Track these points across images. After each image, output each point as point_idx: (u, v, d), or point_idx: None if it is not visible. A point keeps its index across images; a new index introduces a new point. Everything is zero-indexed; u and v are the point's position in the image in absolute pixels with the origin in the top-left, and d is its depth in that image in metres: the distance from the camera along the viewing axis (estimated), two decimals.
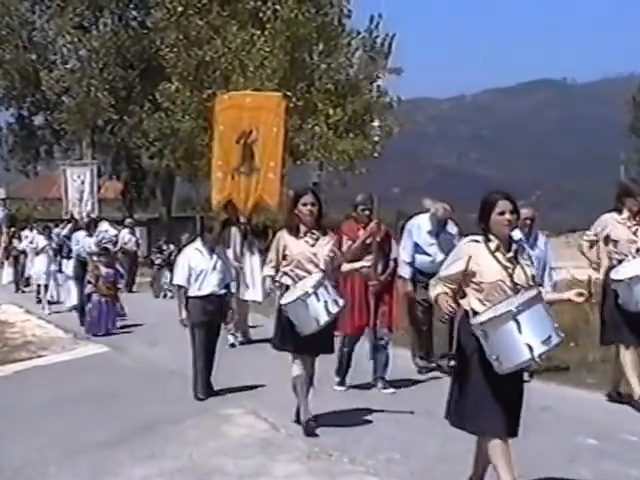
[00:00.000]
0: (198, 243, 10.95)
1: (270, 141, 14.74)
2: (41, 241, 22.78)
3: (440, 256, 11.24)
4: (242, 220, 14.73)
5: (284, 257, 8.76)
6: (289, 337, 8.62)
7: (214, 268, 10.71)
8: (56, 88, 38.17)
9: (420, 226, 11.82)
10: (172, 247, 24.95)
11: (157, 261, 25.11)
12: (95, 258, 17.27)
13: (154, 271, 25.19)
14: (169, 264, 23.98)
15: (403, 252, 11.58)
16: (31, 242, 26.68)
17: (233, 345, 14.33)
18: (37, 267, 21.93)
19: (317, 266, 8.68)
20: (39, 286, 21.60)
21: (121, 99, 37.96)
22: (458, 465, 7.36)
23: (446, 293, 6.56)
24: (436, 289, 6.66)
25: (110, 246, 17.30)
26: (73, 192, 28.33)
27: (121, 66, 37.88)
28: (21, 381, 12.55)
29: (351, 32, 32.80)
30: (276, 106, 15.08)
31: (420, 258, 11.72)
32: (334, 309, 8.40)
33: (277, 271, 8.82)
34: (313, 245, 8.74)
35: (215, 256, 10.80)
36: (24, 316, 19.94)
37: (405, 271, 11.60)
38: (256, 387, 10.99)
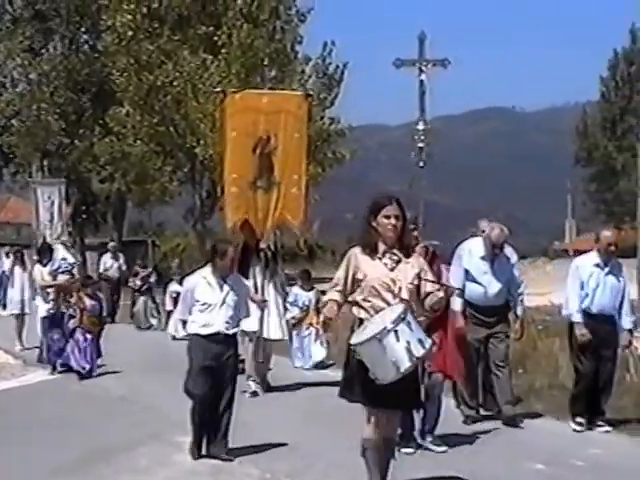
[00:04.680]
0: (206, 271, 9.13)
1: (292, 150, 12.53)
2: (15, 267, 19.60)
3: (495, 287, 10.06)
4: (262, 245, 12.49)
5: (356, 282, 7.01)
6: (361, 385, 6.84)
7: (224, 302, 8.98)
8: (6, 111, 38.00)
9: (471, 251, 10.18)
10: (150, 270, 24.02)
11: (134, 285, 23.47)
12: (50, 290, 15.53)
13: (133, 298, 23.58)
14: (148, 289, 23.30)
15: (452, 281, 9.67)
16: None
17: (255, 393, 12.39)
18: (10, 296, 19.12)
19: (397, 295, 6.92)
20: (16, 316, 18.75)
21: (72, 123, 37.78)
22: None
23: None
24: None
25: (67, 277, 15.41)
26: (44, 213, 26.92)
27: (72, 90, 37.70)
28: None
29: (304, 58, 33.00)
30: (297, 107, 12.74)
31: (470, 288, 10.05)
32: (419, 352, 6.59)
33: (345, 297, 7.08)
34: (393, 269, 6.97)
35: (227, 288, 9.03)
36: None
37: (455, 302, 9.72)
38: None
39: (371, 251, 6.99)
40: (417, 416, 9.01)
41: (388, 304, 6.85)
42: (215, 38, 30.38)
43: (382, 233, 6.97)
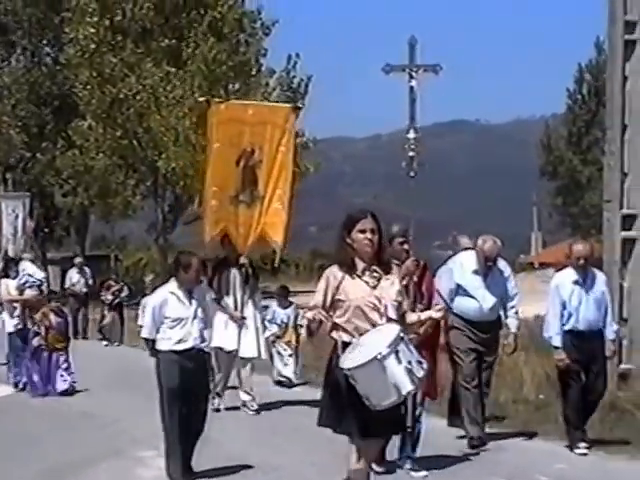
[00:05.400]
0: (172, 285, 8.73)
1: (277, 163, 12.02)
2: None
3: (490, 301, 9.64)
4: (243, 260, 11.97)
5: (336, 303, 6.53)
6: (351, 416, 6.34)
7: (195, 316, 8.62)
8: None
9: (463, 264, 9.72)
10: (122, 285, 23.51)
11: (106, 301, 22.87)
12: (17, 305, 14.95)
13: (102, 312, 23.05)
14: (119, 304, 22.89)
15: (440, 296, 9.38)
16: None
17: (218, 410, 11.77)
18: None
19: (383, 315, 6.48)
20: None
21: (34, 136, 37.64)
22: None
23: None
24: None
25: (34, 292, 14.84)
26: (7, 227, 26.75)
27: (34, 103, 37.55)
28: None
29: (268, 71, 33.02)
30: (284, 120, 12.18)
31: (463, 302, 9.65)
32: (420, 373, 6.21)
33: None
34: (375, 287, 6.52)
35: (195, 300, 8.68)
36: None
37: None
38: None
39: (349, 269, 6.53)
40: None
41: (374, 325, 6.42)
42: (180, 51, 30.33)
43: (358, 249, 6.53)
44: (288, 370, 14.49)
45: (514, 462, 9.19)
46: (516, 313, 9.91)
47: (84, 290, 23.89)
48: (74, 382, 14.08)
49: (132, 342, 20.68)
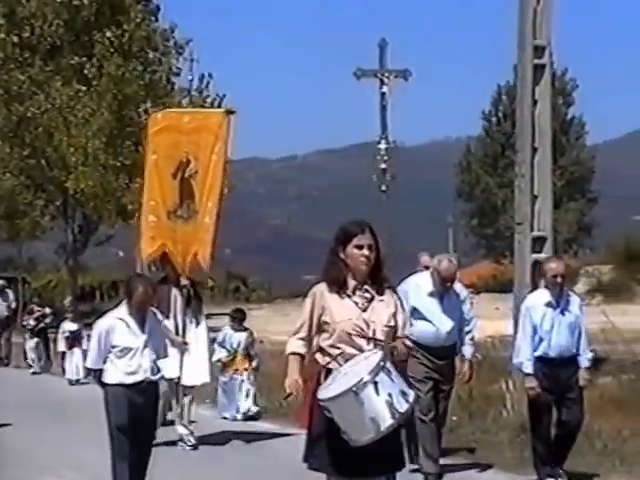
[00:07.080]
0: (122, 311, 8.01)
1: (209, 174, 11.22)
2: None
3: (447, 325, 9.15)
4: (184, 281, 11.19)
5: (322, 325, 5.98)
6: (327, 449, 5.81)
7: (146, 345, 7.94)
8: None
9: (419, 286, 9.22)
10: (47, 310, 22.71)
11: (28, 326, 22.19)
12: None
13: (25, 339, 22.35)
14: (42, 330, 22.06)
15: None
16: None
17: (195, 446, 11.12)
18: None
19: (371, 341, 5.91)
20: None
21: None
22: None
23: None
24: None
25: None
26: None
27: None
28: None
29: (181, 91, 32.72)
30: (217, 126, 11.30)
31: (419, 327, 9.05)
32: (402, 406, 5.58)
33: (310, 345, 6.01)
34: (365, 309, 5.94)
35: (147, 329, 7.98)
36: None
37: None
38: (77, 457, 10.32)
39: (339, 288, 5.95)
40: None
41: (361, 350, 5.85)
42: (85, 70, 29.91)
43: (353, 266, 5.94)
44: (245, 405, 13.59)
45: None
46: (472, 339, 9.49)
47: (5, 314, 23.30)
48: None
49: (58, 368, 20.14)
